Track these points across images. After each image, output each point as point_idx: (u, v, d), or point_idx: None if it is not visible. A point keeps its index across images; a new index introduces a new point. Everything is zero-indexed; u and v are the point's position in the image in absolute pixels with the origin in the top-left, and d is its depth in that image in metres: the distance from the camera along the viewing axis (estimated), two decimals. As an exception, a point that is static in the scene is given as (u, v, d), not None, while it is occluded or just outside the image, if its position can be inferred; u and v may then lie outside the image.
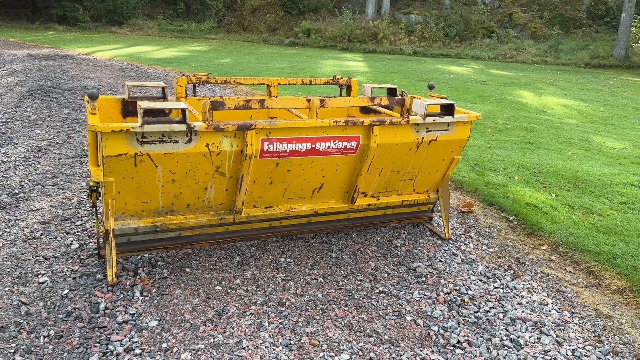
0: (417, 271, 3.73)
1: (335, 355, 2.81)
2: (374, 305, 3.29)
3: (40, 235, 3.93)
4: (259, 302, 3.27)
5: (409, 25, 23.86)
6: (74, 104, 8.26)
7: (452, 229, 4.51)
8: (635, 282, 3.67)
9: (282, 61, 16.29)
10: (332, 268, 3.72)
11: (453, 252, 4.07)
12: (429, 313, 3.23)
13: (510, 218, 4.74)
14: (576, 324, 3.29)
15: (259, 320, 3.07)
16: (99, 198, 3.49)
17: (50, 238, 3.90)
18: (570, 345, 3.06)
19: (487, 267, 3.88)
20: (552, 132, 8.54)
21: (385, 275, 3.66)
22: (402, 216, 4.38)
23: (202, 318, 3.06)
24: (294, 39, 23.66)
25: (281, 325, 3.04)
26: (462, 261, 3.94)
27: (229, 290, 3.37)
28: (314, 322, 3.09)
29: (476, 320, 3.19)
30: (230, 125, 3.22)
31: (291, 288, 3.44)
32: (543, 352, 2.97)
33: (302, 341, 2.91)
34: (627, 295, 3.57)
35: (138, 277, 3.46)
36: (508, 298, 3.48)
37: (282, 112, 4.20)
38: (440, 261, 3.90)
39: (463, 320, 3.19)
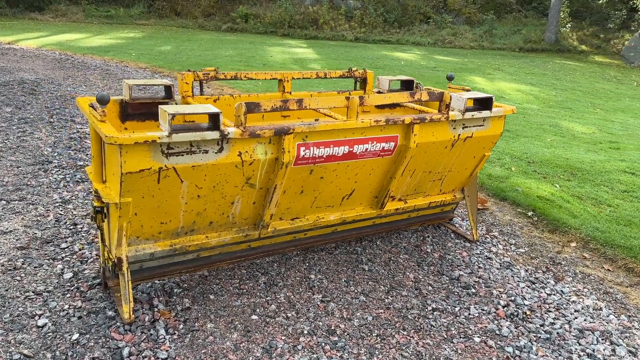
0: (462, 281, 3.43)
1: (416, 392, 2.46)
2: (433, 326, 2.96)
3: (22, 264, 3.30)
4: (305, 331, 2.85)
5: (348, 11, 23.58)
6: (15, 101, 7.35)
7: (469, 228, 4.25)
8: (679, 278, 3.55)
9: (227, 48, 15.57)
10: (370, 283, 3.36)
11: (487, 256, 3.81)
12: (496, 332, 2.94)
13: (529, 214, 4.55)
14: (638, 329, 3.11)
15: (315, 356, 2.66)
16: (104, 220, 2.92)
17: (35, 267, 3.29)
18: (643, 355, 2.87)
19: (527, 271, 3.64)
20: (522, 119, 8.53)
21: (430, 288, 3.34)
22: (425, 218, 4.07)
23: (251, 358, 2.61)
24: (231, 24, 22.79)
25: (342, 360, 2.65)
26: (500, 266, 3.68)
27: (267, 320, 2.93)
28: (376, 352, 2.72)
29: (548, 335, 2.93)
30: (266, 130, 2.76)
31: (335, 311, 3.04)
32: (624, 367, 2.76)
33: (373, 378, 2.53)
34: (676, 294, 3.45)
35: (156, 310, 2.95)
36: (564, 306, 3.25)
37: (306, 111, 3.75)
38: (480, 267, 3.63)
39: (534, 337, 2.92)
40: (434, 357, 2.70)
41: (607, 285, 3.54)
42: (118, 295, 3.02)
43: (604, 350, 2.87)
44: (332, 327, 2.90)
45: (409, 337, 2.85)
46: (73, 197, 4.29)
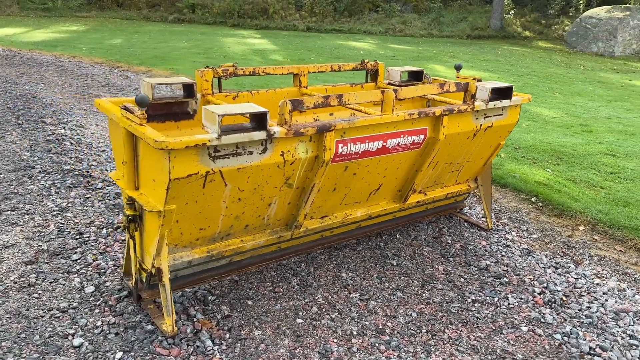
0: (491, 271, 3.45)
1: (484, 387, 2.45)
2: (478, 318, 2.96)
3: (36, 280, 3.07)
4: (354, 332, 2.79)
5: (298, 0, 23.39)
6: (-27, 102, 6.85)
7: (483, 216, 4.29)
8: (689, 256, 3.71)
9: (179, 40, 15.11)
10: (402, 278, 3.32)
11: (505, 244, 3.85)
12: (541, 320, 2.96)
13: (532, 199, 4.63)
14: (663, 307, 3.22)
15: (373, 357, 2.60)
16: (137, 229, 2.74)
17: (51, 282, 3.06)
18: (676, 333, 2.97)
19: (547, 257, 3.71)
20: (492, 105, 8.68)
21: (463, 280, 3.34)
22: (440, 209, 4.07)
23: (311, 365, 2.53)
24: (178, 15, 22.13)
25: None
26: (521, 253, 3.73)
27: (313, 323, 2.84)
28: (433, 349, 2.69)
29: (590, 320, 2.98)
30: (309, 128, 2.66)
31: (377, 309, 2.99)
32: (665, 346, 2.85)
33: (438, 376, 2.50)
34: (689, 271, 3.59)
35: (195, 320, 2.80)
36: (593, 289, 3.33)
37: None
38: (503, 256, 3.66)
39: (577, 322, 2.97)
40: (490, 350, 2.70)
41: (623, 266, 3.65)
42: (151, 307, 2.87)
43: (637, 329, 2.95)
44: (380, 326, 2.84)
45: (458, 332, 2.83)
46: (70, 205, 4.03)
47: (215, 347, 2.61)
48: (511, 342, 2.77)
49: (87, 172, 4.65)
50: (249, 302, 2.98)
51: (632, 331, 2.92)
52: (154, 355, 2.53)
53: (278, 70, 3.52)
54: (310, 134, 2.69)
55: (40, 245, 3.44)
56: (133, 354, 2.52)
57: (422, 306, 3.05)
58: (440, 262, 3.53)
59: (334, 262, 3.45)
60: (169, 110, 3.10)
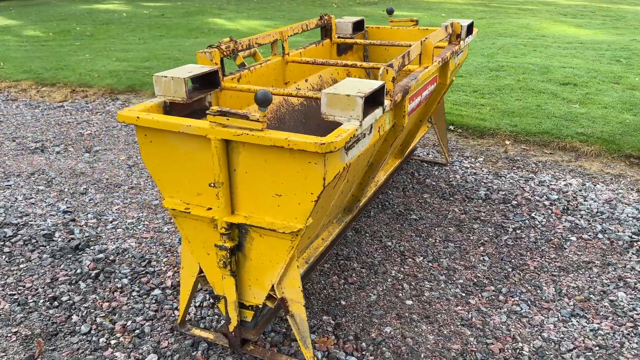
0: (493, 198, 3.65)
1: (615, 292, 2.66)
2: (534, 242, 3.14)
3: (72, 375, 2.23)
4: (463, 294, 2.72)
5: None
6: None
7: (425, 154, 4.46)
8: (600, 144, 4.44)
9: None
10: (437, 229, 3.31)
11: (471, 173, 4.09)
12: (577, 227, 3.27)
13: (450, 127, 4.95)
14: (621, 188, 3.84)
15: (505, 310, 2.59)
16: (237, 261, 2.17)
17: (93, 370, 2.26)
18: (646, 206, 3.60)
19: (510, 175, 4.06)
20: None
21: (483, 214, 3.47)
22: (409, 156, 4.09)
23: (477, 339, 2.40)
24: None
25: (557, 314, 2.64)
26: (492, 177, 4.00)
27: (421, 299, 2.68)
28: (537, 283, 2.78)
29: (605, 215, 3.40)
30: (399, 94, 2.39)
31: (453, 265, 2.95)
32: (656, 218, 3.43)
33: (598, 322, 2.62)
34: (608, 156, 4.31)
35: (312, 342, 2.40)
36: (574, 189, 3.78)
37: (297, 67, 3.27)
38: (485, 182, 3.89)
39: (600, 220, 3.36)
40: (575, 266, 2.90)
41: (565, 166, 4.21)
42: (252, 348, 2.36)
43: (631, 211, 3.49)
44: (475, 280, 2.82)
45: (535, 260, 2.97)
46: (14, 271, 2.95)
47: (365, 362, 2.29)
48: (578, 253, 3.02)
49: (-31, 220, 3.42)
50: (343, 302, 2.65)
51: (627, 215, 3.43)
52: (320, 398, 2.11)
53: (266, 39, 3.01)
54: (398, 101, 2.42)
55: (18, 331, 2.48)
56: (300, 408, 2.06)
57: (482, 249, 3.10)
58: (448, 204, 3.59)
59: (366, 235, 3.25)
60: (191, 109, 2.43)
